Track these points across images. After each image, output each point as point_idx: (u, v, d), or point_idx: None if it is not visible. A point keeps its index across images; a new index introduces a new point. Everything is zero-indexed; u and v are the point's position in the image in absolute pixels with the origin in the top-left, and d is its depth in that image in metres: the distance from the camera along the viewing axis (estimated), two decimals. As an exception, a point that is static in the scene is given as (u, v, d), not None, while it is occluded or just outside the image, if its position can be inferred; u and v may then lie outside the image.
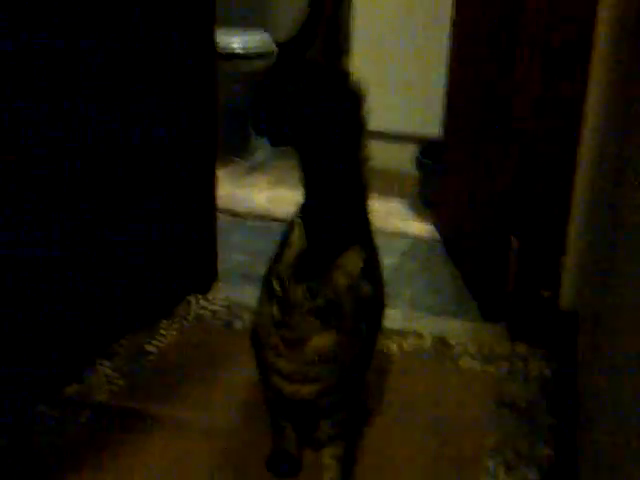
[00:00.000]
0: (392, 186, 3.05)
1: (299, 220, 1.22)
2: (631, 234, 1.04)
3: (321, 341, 1.14)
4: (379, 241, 2.55)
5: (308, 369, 1.18)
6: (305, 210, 1.40)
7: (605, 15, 1.64)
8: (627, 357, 0.93)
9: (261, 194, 2.94)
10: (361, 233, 1.42)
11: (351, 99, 1.43)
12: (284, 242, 1.27)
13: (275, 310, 1.12)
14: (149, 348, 1.79)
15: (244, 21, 3.45)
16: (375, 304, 1.35)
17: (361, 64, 3.18)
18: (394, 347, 1.80)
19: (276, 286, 1.13)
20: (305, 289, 1.11)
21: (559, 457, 1.43)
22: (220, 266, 2.20)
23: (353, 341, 1.20)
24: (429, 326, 1.95)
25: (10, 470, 1.36)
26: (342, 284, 1.15)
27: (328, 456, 1.29)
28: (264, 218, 2.68)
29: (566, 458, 1.37)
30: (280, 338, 1.15)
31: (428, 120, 2.97)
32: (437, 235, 2.57)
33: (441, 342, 1.85)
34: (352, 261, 1.16)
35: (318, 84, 1.47)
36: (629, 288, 0.99)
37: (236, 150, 3.30)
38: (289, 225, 1.31)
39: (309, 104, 1.45)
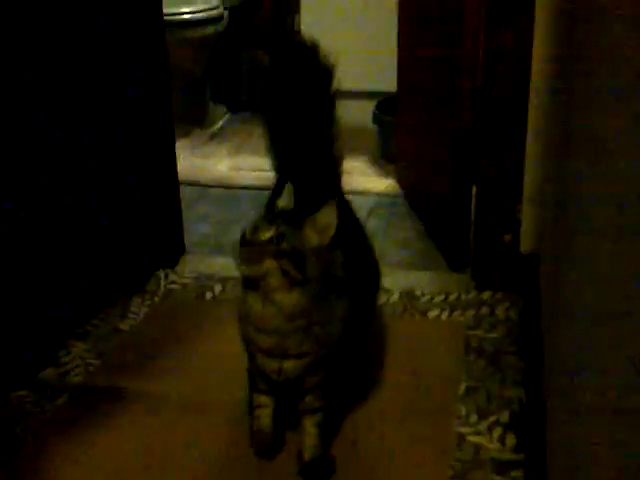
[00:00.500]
0: (353, 144, 3.05)
1: (290, 186, 1.24)
2: (581, 169, 1.06)
3: (286, 298, 1.14)
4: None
5: (287, 343, 1.18)
6: (281, 176, 1.41)
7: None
8: (582, 295, 0.96)
9: (222, 162, 2.92)
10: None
11: (320, 66, 1.42)
12: (270, 206, 1.29)
13: (237, 248, 1.12)
14: (122, 326, 1.80)
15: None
16: (361, 283, 1.34)
17: (312, 21, 3.15)
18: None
19: (248, 232, 1.14)
20: (274, 233, 1.12)
21: (529, 398, 1.47)
22: (187, 238, 2.20)
23: (322, 308, 1.19)
24: (397, 280, 1.98)
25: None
26: (312, 240, 1.15)
27: (310, 424, 1.29)
28: (227, 186, 2.68)
29: (535, 398, 1.42)
30: (244, 280, 1.16)
31: (385, 75, 2.96)
32: (400, 190, 2.59)
33: (409, 295, 1.89)
34: (326, 216, 1.15)
35: (287, 54, 1.46)
36: (582, 226, 1.02)
37: (194, 119, 3.27)
38: (274, 191, 1.32)
39: (279, 73, 1.45)
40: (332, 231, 1.15)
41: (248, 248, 1.12)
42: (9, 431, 1.43)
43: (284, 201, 1.23)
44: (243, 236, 1.13)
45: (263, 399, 1.33)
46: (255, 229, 1.13)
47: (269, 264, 1.11)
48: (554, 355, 1.27)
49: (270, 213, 1.21)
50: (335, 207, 1.15)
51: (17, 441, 1.41)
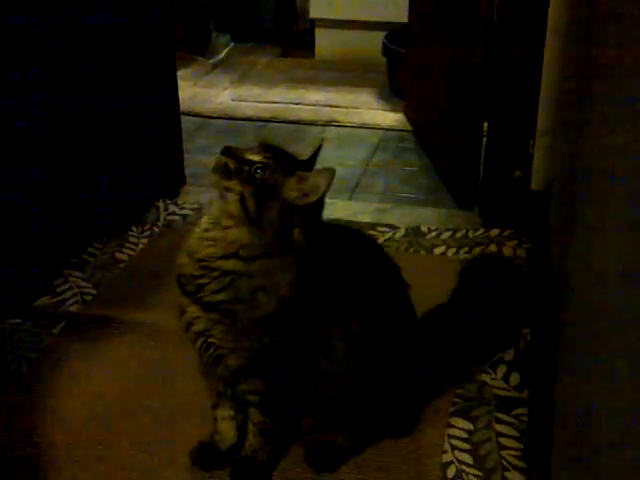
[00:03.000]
0: (362, 76, 2.97)
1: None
2: (599, 108, 1.01)
3: (233, 229, 1.00)
4: (350, 134, 2.51)
5: (206, 282, 1.02)
6: None
7: None
8: (594, 230, 0.91)
9: (225, 92, 2.84)
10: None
11: None
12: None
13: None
14: (120, 256, 1.76)
15: None
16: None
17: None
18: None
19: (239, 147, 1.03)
20: (258, 159, 0.99)
21: (534, 336, 1.44)
22: (187, 169, 2.15)
23: (262, 266, 1.01)
24: (403, 217, 1.93)
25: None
26: (291, 193, 1.00)
27: (250, 418, 1.13)
28: (229, 117, 2.61)
29: (542, 335, 1.38)
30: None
31: (395, 5, 2.86)
32: (408, 125, 2.51)
33: (415, 232, 1.84)
34: (318, 178, 1.00)
35: None
36: (595, 161, 0.97)
37: (197, 48, 3.17)
38: None
39: None
40: (315, 196, 1.00)
41: (226, 158, 1.01)
42: (3, 359, 1.40)
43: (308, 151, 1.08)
44: (229, 147, 1.03)
45: (220, 401, 1.17)
46: (248, 149, 1.03)
47: (233, 184, 0.99)
48: (563, 293, 1.23)
49: (272, 146, 1.06)
50: (331, 175, 1.00)
51: (11, 369, 1.38)
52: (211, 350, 1.06)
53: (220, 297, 1.02)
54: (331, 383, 1.11)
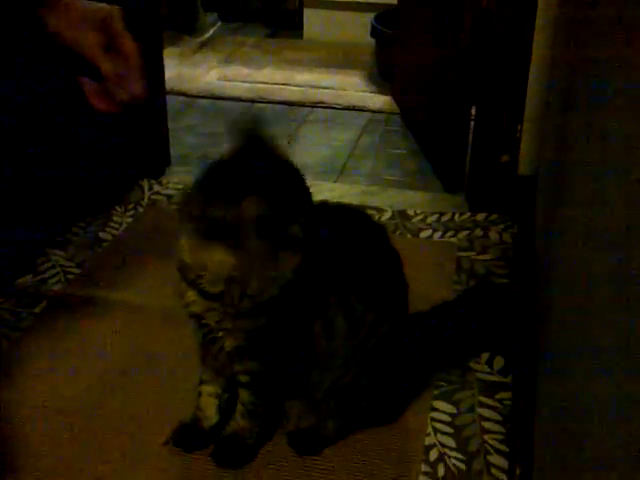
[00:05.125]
0: (349, 58, 2.95)
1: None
2: (584, 94, 1.00)
3: (217, 255, 0.96)
4: (337, 116, 2.50)
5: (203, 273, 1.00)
6: None
7: None
8: (578, 218, 0.91)
9: (211, 72, 2.81)
10: None
11: None
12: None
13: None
14: (103, 235, 1.74)
15: None
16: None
17: None
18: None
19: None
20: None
21: (520, 319, 1.44)
22: (173, 149, 2.13)
23: (258, 263, 0.98)
24: (389, 199, 1.93)
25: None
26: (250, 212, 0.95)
27: (239, 398, 1.12)
28: (216, 97, 2.58)
29: (525, 319, 1.39)
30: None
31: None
32: (396, 107, 2.50)
33: (401, 215, 1.83)
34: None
35: None
36: (581, 148, 0.96)
37: (183, 27, 3.13)
38: None
39: None
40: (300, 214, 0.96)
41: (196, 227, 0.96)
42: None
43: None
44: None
45: (206, 376, 1.15)
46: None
47: (219, 252, 0.95)
48: (547, 279, 1.23)
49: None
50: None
51: (-8, 348, 1.37)
52: (205, 330, 1.06)
53: (218, 288, 1.00)
54: (328, 365, 1.10)
